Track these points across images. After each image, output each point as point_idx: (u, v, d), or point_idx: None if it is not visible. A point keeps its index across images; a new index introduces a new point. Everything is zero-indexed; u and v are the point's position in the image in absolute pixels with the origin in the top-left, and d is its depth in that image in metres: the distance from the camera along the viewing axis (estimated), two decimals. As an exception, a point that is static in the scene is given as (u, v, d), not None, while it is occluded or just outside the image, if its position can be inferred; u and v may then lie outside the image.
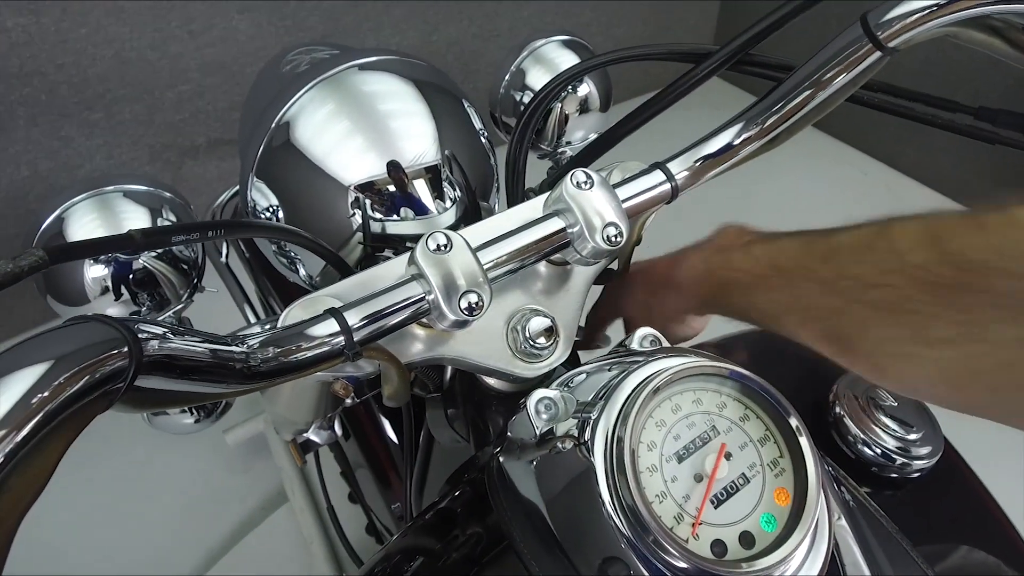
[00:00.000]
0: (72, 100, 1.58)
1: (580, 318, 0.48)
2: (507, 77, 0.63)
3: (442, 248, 0.38)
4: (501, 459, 0.41)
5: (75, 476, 1.37)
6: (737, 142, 0.45)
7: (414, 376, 0.55)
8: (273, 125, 0.51)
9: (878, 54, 0.42)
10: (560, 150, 0.64)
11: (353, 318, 0.36)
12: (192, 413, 0.57)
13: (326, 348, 0.34)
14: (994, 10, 0.40)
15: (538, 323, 0.44)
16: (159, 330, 0.27)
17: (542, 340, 0.44)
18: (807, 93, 0.44)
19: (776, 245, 0.46)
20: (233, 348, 0.30)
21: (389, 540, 0.50)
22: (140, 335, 0.26)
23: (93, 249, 0.31)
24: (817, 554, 0.33)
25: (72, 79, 1.56)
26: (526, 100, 0.60)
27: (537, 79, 0.61)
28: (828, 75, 0.44)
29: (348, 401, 0.53)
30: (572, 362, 0.47)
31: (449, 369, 0.56)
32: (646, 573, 0.32)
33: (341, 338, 0.35)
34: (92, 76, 1.58)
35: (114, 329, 0.25)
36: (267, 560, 1.27)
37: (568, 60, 0.62)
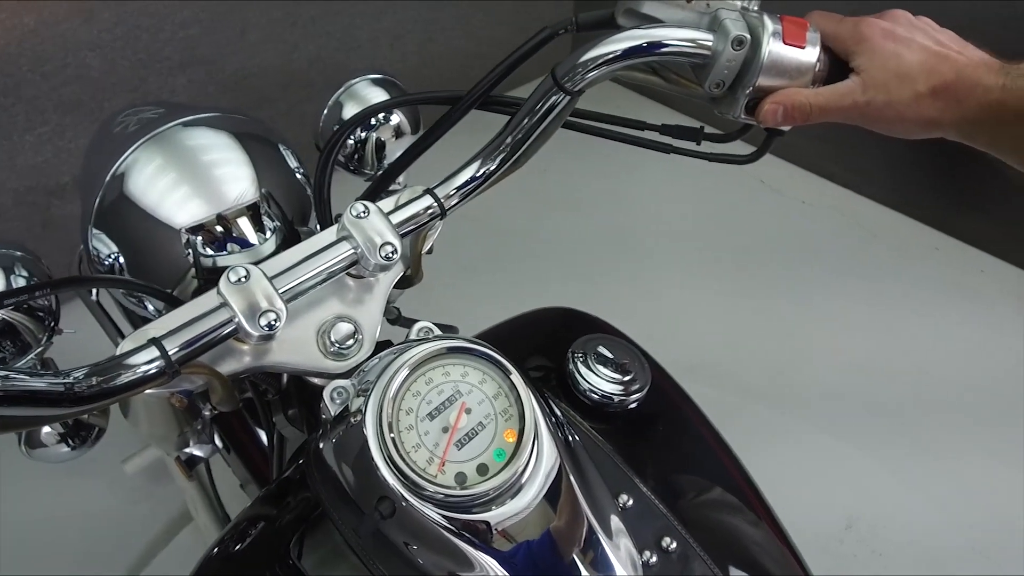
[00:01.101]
0: (-76, 154, 1.57)
1: (380, 317, 0.58)
2: (325, 111, 0.73)
3: (242, 279, 0.48)
4: (318, 439, 0.52)
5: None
6: (480, 174, 0.56)
7: (244, 383, 0.65)
8: (107, 180, 0.60)
9: (567, 96, 0.55)
10: (380, 171, 0.74)
11: (173, 343, 0.45)
12: (67, 443, 0.65)
13: (151, 371, 0.44)
14: (648, 59, 0.53)
15: (343, 328, 0.54)
16: (2, 374, 0.36)
17: (349, 342, 0.54)
18: (525, 131, 0.55)
19: None
20: (60, 380, 0.39)
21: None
22: None
23: None
24: (537, 472, 0.46)
25: (-79, 133, 1.55)
26: None
27: (350, 113, 0.71)
28: (538, 115, 0.55)
29: (208, 412, 0.63)
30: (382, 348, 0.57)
31: (285, 376, 0.66)
32: (405, 503, 0.43)
33: (162, 361, 0.44)
34: (-58, 128, 1.57)
35: None
36: (178, 580, 1.32)
37: (376, 95, 0.73)
